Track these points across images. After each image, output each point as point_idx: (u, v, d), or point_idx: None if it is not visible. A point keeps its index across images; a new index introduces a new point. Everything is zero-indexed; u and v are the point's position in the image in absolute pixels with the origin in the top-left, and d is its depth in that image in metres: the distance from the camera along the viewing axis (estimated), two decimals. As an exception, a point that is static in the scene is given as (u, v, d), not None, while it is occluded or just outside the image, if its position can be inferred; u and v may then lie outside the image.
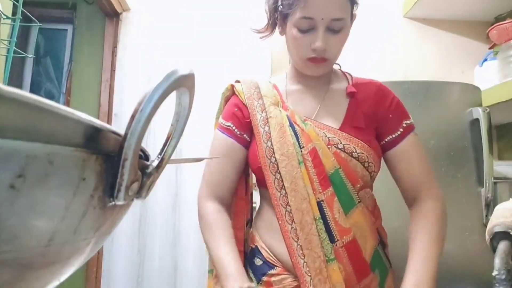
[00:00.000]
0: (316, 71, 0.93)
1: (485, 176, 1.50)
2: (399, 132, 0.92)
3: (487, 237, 0.71)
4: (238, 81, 1.01)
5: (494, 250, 0.67)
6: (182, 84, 0.30)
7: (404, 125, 0.92)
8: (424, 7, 2.25)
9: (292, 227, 0.87)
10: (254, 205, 1.09)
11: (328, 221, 0.86)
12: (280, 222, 0.89)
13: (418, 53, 2.36)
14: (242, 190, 1.02)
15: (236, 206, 1.01)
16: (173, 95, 0.30)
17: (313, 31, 0.86)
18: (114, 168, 0.27)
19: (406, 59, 2.34)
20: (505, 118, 2.05)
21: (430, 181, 0.92)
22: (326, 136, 0.89)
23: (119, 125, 2.18)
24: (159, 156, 0.33)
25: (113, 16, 2.30)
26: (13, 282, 0.23)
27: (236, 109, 0.97)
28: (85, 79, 2.37)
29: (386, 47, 2.35)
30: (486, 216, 1.49)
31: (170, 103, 0.32)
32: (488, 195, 1.49)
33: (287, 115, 0.92)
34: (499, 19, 2.04)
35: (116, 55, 2.29)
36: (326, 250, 0.85)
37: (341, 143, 0.88)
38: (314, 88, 0.97)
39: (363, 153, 0.88)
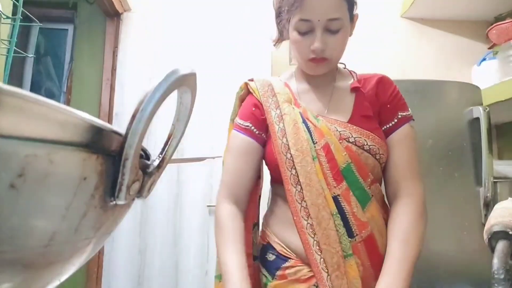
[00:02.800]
0: (317, 71, 0.95)
1: (484, 175, 1.50)
2: (393, 122, 0.93)
3: (485, 236, 0.70)
4: (251, 80, 1.03)
5: (492, 249, 0.67)
6: (184, 83, 0.30)
7: (399, 116, 0.93)
8: (422, 7, 2.25)
9: (308, 223, 0.87)
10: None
11: (347, 216, 0.86)
12: (295, 218, 0.88)
13: (415, 52, 2.36)
14: (255, 193, 1.02)
15: (248, 209, 1.01)
16: (175, 94, 0.30)
17: (311, 33, 0.88)
18: (115, 167, 0.27)
19: (403, 58, 2.35)
20: (505, 117, 2.05)
21: (413, 177, 0.91)
22: (337, 130, 0.90)
23: (120, 125, 2.18)
24: (160, 155, 0.33)
25: (114, 16, 2.30)
26: (14, 282, 0.23)
27: (254, 108, 0.98)
28: (86, 78, 2.37)
29: (384, 46, 2.36)
30: (485, 215, 1.48)
31: (173, 102, 0.32)
32: (488, 194, 1.49)
33: (300, 112, 0.93)
34: (499, 18, 2.04)
35: (117, 55, 2.29)
36: (344, 245, 0.85)
37: (352, 136, 0.89)
38: (320, 86, 0.99)
39: (374, 145, 0.89)
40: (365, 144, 0.88)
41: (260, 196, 1.06)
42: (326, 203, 0.86)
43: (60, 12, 2.49)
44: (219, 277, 0.98)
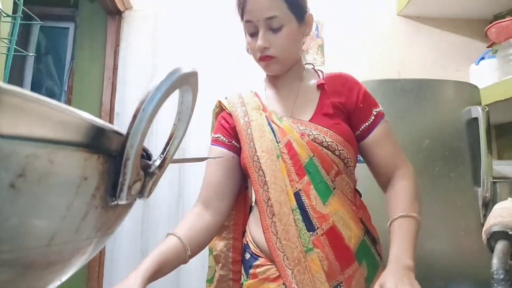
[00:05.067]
0: (268, 69, 1.00)
1: (482, 175, 1.48)
2: (371, 120, 0.96)
3: (484, 237, 0.70)
4: (225, 98, 1.08)
5: (491, 249, 0.67)
6: (185, 82, 0.30)
7: (375, 113, 0.97)
8: (419, 5, 2.24)
9: (272, 221, 0.90)
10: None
11: (307, 210, 0.89)
12: (261, 218, 0.92)
13: (411, 51, 2.34)
14: (241, 203, 1.07)
15: (236, 218, 1.07)
16: (176, 94, 0.30)
17: (257, 34, 0.94)
18: (116, 167, 0.27)
19: (399, 57, 2.33)
20: (504, 117, 2.03)
21: (400, 160, 0.96)
22: (299, 128, 0.94)
23: (121, 124, 2.18)
24: (162, 155, 0.33)
25: (116, 14, 2.30)
26: (14, 282, 0.23)
27: (223, 121, 1.04)
28: (87, 77, 2.37)
29: (380, 45, 2.34)
30: (484, 215, 1.47)
31: (174, 101, 0.32)
32: (487, 194, 1.47)
33: (266, 116, 0.98)
34: (498, 17, 2.02)
35: (118, 54, 2.29)
36: (303, 240, 0.88)
37: (312, 134, 0.93)
38: (287, 87, 1.03)
39: (332, 142, 0.92)
40: (324, 141, 0.92)
41: (251, 206, 1.09)
42: (288, 199, 0.90)
43: (61, 10, 2.48)
44: (210, 281, 1.04)
